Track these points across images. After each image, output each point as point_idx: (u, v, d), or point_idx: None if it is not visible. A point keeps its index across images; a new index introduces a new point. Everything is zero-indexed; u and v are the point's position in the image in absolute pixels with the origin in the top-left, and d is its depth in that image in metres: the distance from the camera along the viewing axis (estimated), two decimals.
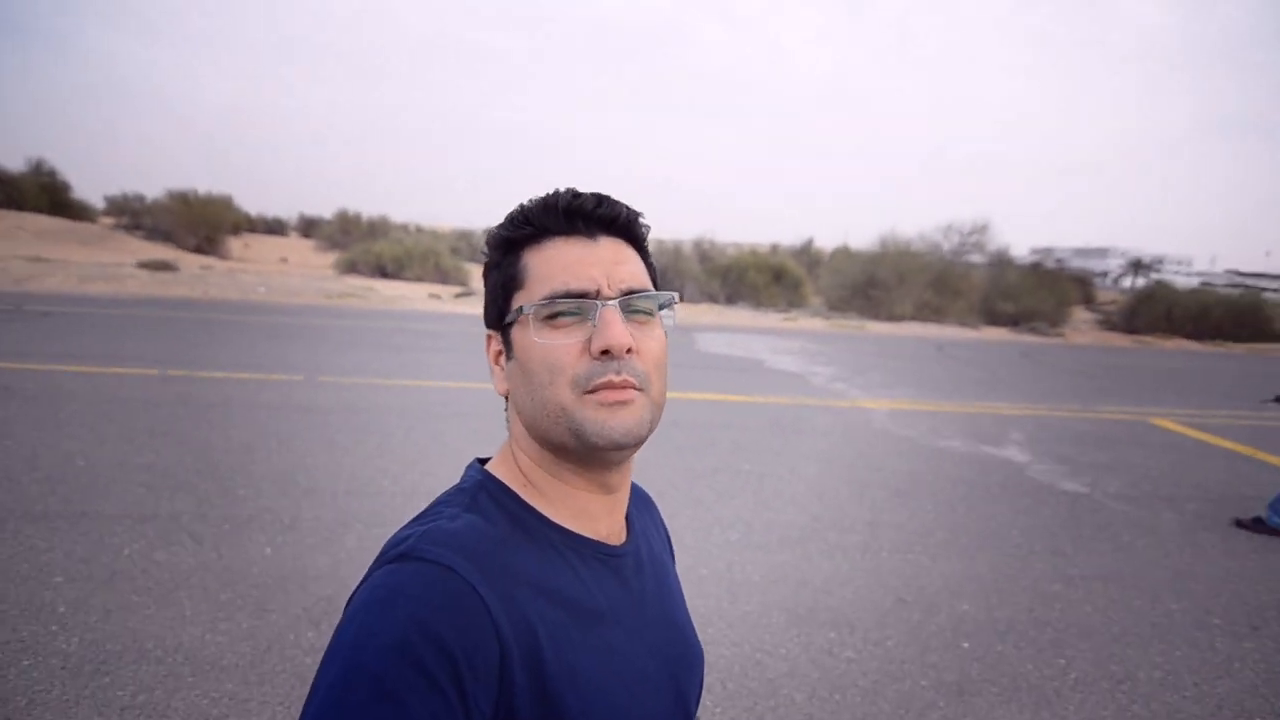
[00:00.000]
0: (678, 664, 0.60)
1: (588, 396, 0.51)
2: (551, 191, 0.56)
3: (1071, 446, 5.51)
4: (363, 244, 26.85)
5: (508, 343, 0.56)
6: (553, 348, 0.52)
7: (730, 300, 24.06)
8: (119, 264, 17.85)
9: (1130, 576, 3.20)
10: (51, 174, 27.93)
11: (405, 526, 0.54)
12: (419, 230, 38.81)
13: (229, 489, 3.48)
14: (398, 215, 39.80)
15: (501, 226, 0.57)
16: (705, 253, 30.34)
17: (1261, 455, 5.67)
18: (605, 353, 0.50)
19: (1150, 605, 2.94)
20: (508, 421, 0.60)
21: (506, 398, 0.59)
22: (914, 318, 20.51)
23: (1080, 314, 24.95)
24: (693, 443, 4.86)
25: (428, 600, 0.45)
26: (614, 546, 0.58)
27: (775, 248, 34.17)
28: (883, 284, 22.21)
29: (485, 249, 0.60)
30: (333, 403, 5.29)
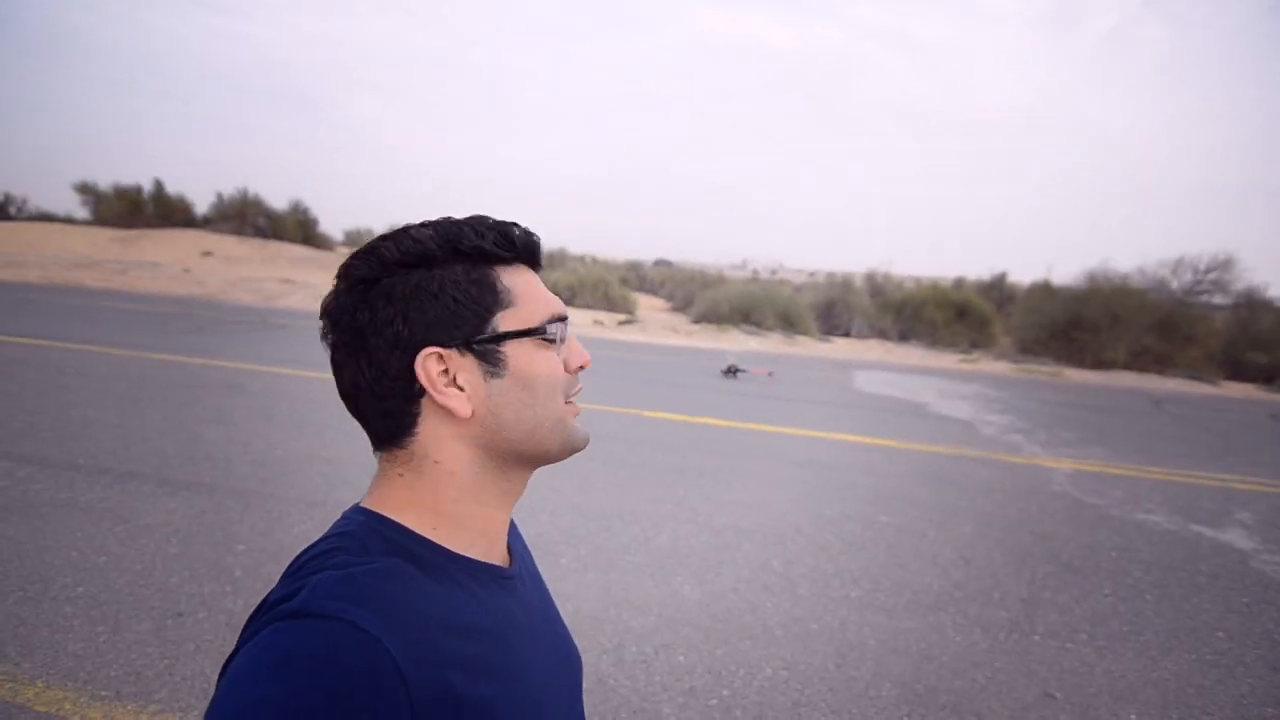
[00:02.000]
0: (571, 672, 0.63)
1: (567, 406, 0.56)
2: (502, 220, 0.57)
3: None
4: (542, 274, 29.10)
5: (493, 360, 0.54)
6: (557, 363, 0.56)
7: (903, 337, 22.52)
8: None
9: None
10: (305, 211, 33.69)
11: (283, 581, 0.48)
12: (594, 261, 41.25)
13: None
14: (576, 248, 42.60)
15: (474, 238, 0.53)
16: (878, 286, 28.79)
17: None
18: (580, 368, 0.57)
19: None
20: (409, 458, 0.54)
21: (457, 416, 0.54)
22: (1129, 366, 17.70)
23: None
24: (825, 485, 4.57)
25: (329, 663, 0.40)
26: (507, 569, 0.58)
27: (960, 282, 31.50)
28: (1090, 325, 19.49)
29: (429, 247, 0.52)
30: None
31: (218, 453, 4.22)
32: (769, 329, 20.35)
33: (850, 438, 6.13)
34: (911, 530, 3.87)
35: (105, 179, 32.12)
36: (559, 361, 0.56)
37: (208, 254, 26.37)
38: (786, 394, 8.51)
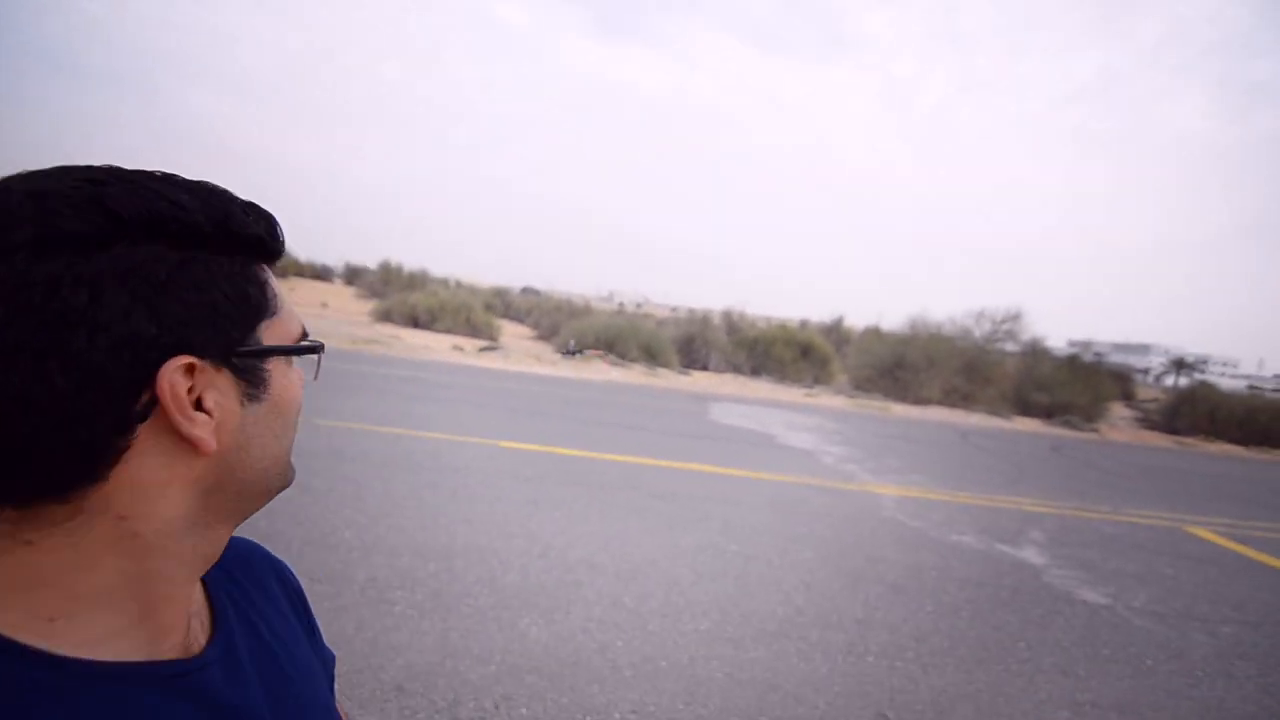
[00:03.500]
0: None
1: None
2: (257, 204, 0.43)
3: (1096, 551, 5.08)
4: (401, 294, 27.68)
5: (255, 380, 0.41)
6: (302, 385, 0.46)
7: (755, 372, 23.86)
8: None
9: (1149, 708, 2.81)
10: None
11: None
12: (458, 285, 39.90)
13: None
14: (439, 269, 41.03)
15: (247, 222, 0.41)
16: (734, 324, 30.42)
17: None
18: None
19: None
20: (69, 515, 0.36)
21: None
22: (941, 403, 19.98)
23: (1119, 410, 24.11)
24: (682, 517, 4.60)
25: None
26: (188, 659, 0.41)
27: (805, 324, 34.13)
28: (911, 366, 21.82)
29: (196, 219, 0.38)
30: (320, 446, 5.19)
31: None
32: (632, 360, 20.69)
33: (707, 468, 6.28)
34: (759, 558, 3.97)
35: None
36: (302, 383, 0.46)
37: None
38: (647, 424, 8.60)
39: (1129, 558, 5.03)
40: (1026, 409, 20.51)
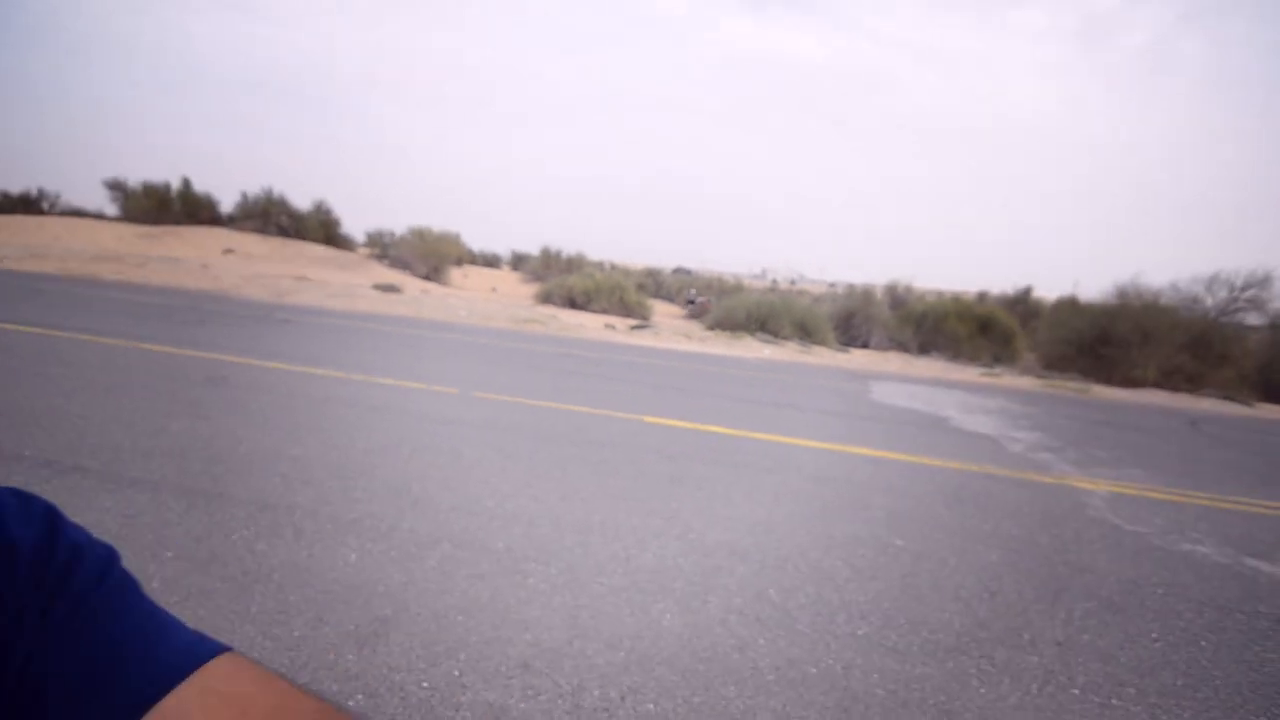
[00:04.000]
0: None
1: None
2: None
3: None
4: (559, 277, 29.04)
5: None
6: None
7: (923, 350, 21.96)
8: (359, 284, 20.94)
9: None
10: (328, 212, 33.86)
11: None
12: (613, 267, 41.08)
13: (349, 489, 3.56)
14: (596, 254, 42.52)
15: None
16: (899, 297, 28.21)
17: None
18: None
19: None
20: None
21: None
22: (1160, 384, 17.04)
23: None
24: (838, 504, 4.16)
25: None
26: None
27: (984, 296, 30.81)
28: (1119, 341, 18.83)
29: None
30: (477, 417, 5.40)
31: (177, 448, 3.93)
32: (785, 338, 19.90)
33: (865, 451, 5.70)
34: (930, 557, 3.45)
35: (136, 176, 32.43)
36: None
37: (229, 251, 26.56)
38: (800, 403, 8.09)
39: None
40: (1274, 393, 16.88)
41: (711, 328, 21.72)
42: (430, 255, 32.39)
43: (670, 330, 19.17)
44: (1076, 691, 2.37)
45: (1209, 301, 20.59)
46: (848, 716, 2.10)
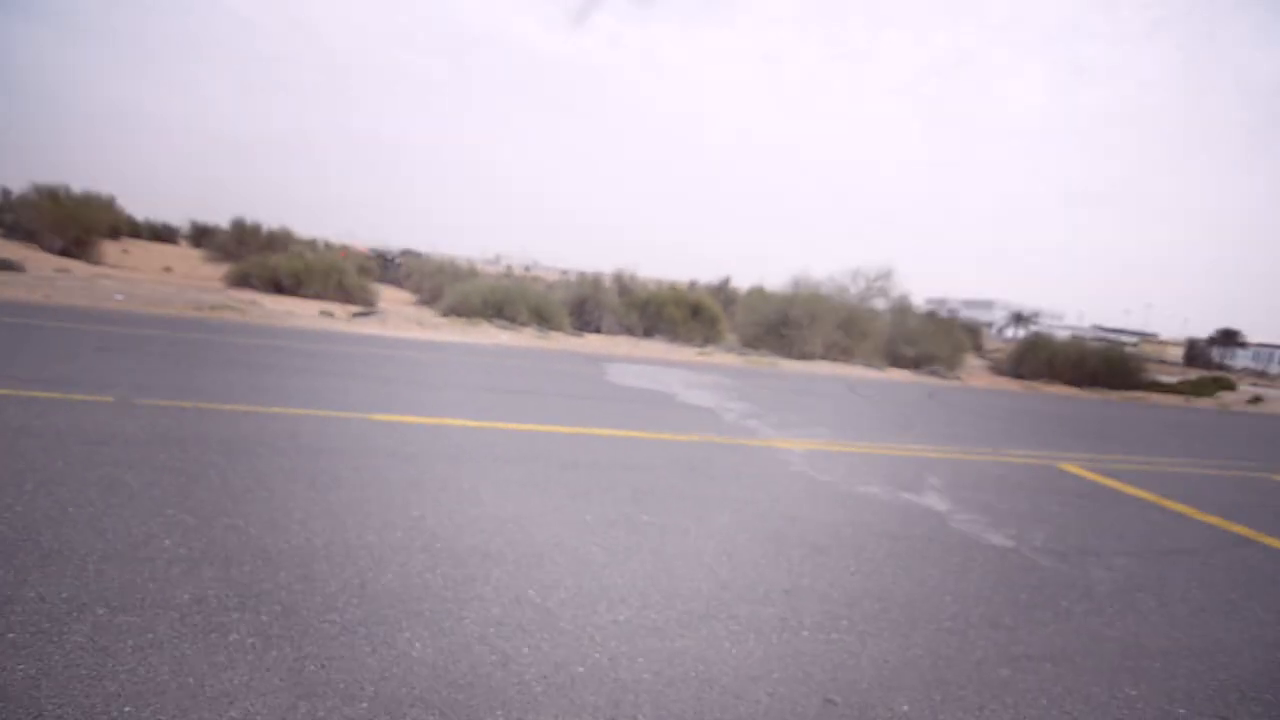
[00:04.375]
0: None
1: None
2: None
3: (990, 493, 5.23)
4: (258, 256, 24.85)
5: None
6: None
7: (648, 333, 23.78)
8: None
9: (1079, 654, 2.76)
10: None
11: None
12: (327, 247, 36.56)
13: None
14: (305, 230, 37.36)
15: None
16: (625, 285, 30.11)
17: (1168, 503, 5.60)
18: None
19: (1108, 694, 2.49)
20: None
21: None
22: (824, 357, 20.88)
23: (972, 360, 26.39)
24: (588, 487, 4.17)
25: None
26: None
27: (694, 285, 34.50)
28: (795, 323, 22.59)
29: None
30: (138, 431, 4.24)
31: None
32: (522, 323, 19.84)
33: (609, 432, 5.87)
34: (674, 529, 3.63)
35: None
36: None
37: None
38: (542, 388, 8.05)
39: (1018, 497, 5.21)
40: (896, 361, 21.94)
41: (447, 314, 20.69)
42: (69, 224, 25.19)
43: (401, 317, 17.75)
44: (806, 633, 2.67)
45: (853, 290, 25.89)
46: (619, 711, 2.05)
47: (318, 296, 21.37)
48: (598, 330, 23.11)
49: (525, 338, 16.79)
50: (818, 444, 6.36)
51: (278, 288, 21.72)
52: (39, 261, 18.91)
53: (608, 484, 4.28)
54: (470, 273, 35.25)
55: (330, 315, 15.69)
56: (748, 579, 3.10)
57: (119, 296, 13.50)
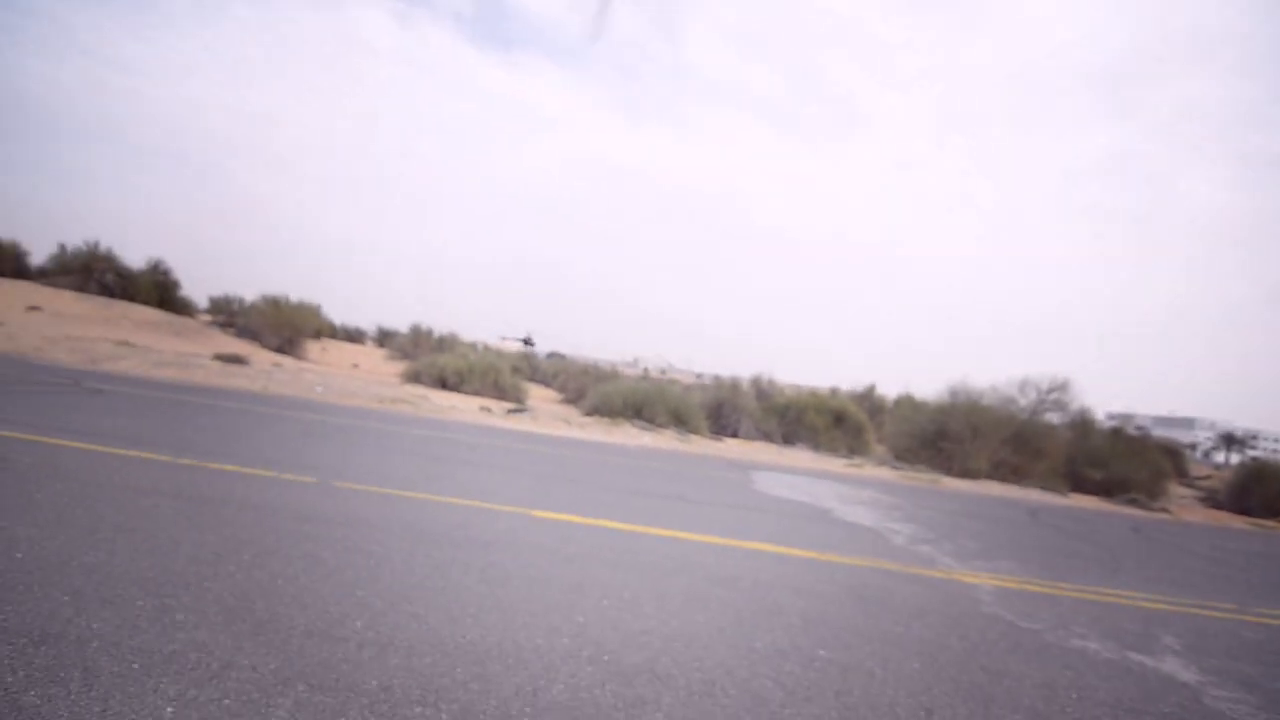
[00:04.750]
0: None
1: None
2: None
3: (1251, 664, 4.19)
4: (430, 356, 27.70)
5: None
6: None
7: (787, 440, 23.01)
8: (197, 354, 18.59)
9: None
10: (165, 273, 30.46)
11: None
12: (485, 348, 40.07)
13: (168, 609, 2.76)
14: (467, 334, 41.33)
15: None
16: (763, 390, 29.70)
17: None
18: None
19: None
20: None
21: None
22: (990, 476, 18.85)
23: (1176, 488, 22.56)
24: (751, 610, 3.87)
25: None
26: None
27: (835, 391, 33.27)
28: (955, 436, 20.85)
29: None
30: (337, 512, 4.63)
31: None
32: (661, 425, 20.01)
33: (764, 546, 5.54)
34: (857, 669, 3.22)
35: None
36: None
37: (35, 308, 22.77)
38: (690, 494, 7.89)
39: None
40: (1080, 484, 19.27)
41: (590, 413, 21.45)
42: (284, 326, 29.82)
43: (548, 415, 18.64)
44: None
45: (1022, 402, 23.52)
46: None
47: (476, 393, 23.16)
48: (735, 434, 22.73)
49: (665, 440, 16.84)
50: (1009, 581, 5.55)
51: (444, 384, 23.88)
52: (259, 356, 22.34)
53: (773, 606, 3.96)
54: (612, 375, 36.69)
55: (488, 411, 16.82)
56: None
57: (319, 389, 15.45)
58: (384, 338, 48.23)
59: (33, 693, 2.08)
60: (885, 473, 15.83)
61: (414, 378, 24.14)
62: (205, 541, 3.64)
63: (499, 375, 25.24)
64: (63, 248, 28.31)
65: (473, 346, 38.54)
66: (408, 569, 3.68)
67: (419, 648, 2.76)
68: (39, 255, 28.06)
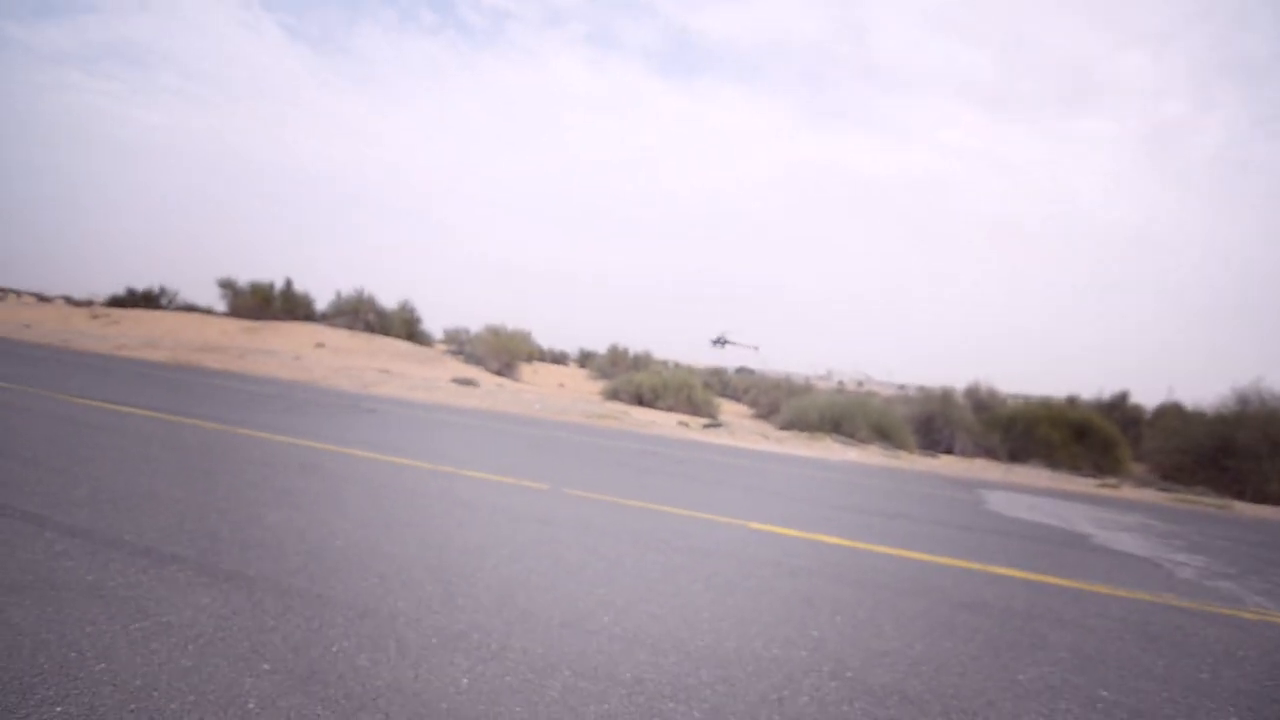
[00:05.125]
0: None
1: None
2: None
3: None
4: (626, 375, 29.24)
5: None
6: None
7: (1013, 457, 20.46)
8: (438, 378, 21.51)
9: None
10: (411, 310, 35.82)
11: None
12: (676, 366, 41.27)
13: (451, 594, 3.20)
14: (660, 352, 42.91)
15: None
16: (982, 401, 26.75)
17: None
18: None
19: None
20: None
21: None
22: None
23: None
24: (1005, 637, 3.48)
25: None
26: None
27: (1074, 400, 28.90)
28: (1245, 452, 17.07)
29: None
30: (570, 516, 5.03)
31: (273, 540, 3.70)
32: (863, 440, 18.92)
33: (1009, 571, 4.95)
34: (1154, 714, 2.74)
35: (245, 276, 35.43)
36: None
37: (320, 345, 28.09)
38: (912, 512, 7.34)
39: None
40: None
41: (785, 427, 20.99)
42: (503, 351, 33.41)
43: (744, 429, 18.58)
44: None
45: None
46: None
47: (670, 409, 23.85)
48: (949, 451, 20.74)
49: (872, 455, 15.89)
50: None
51: (640, 400, 24.97)
52: (485, 378, 25.18)
53: (1034, 638, 3.52)
54: (805, 388, 35.58)
55: (686, 425, 17.22)
56: None
57: (537, 406, 16.99)
58: (584, 358, 51.82)
59: (362, 658, 2.52)
60: (1151, 495, 13.36)
61: (613, 395, 25.58)
62: (469, 538, 4.17)
63: (692, 391, 25.80)
64: (338, 294, 34.53)
65: (664, 364, 39.86)
66: (639, 572, 3.88)
67: (662, 646, 2.88)
68: (321, 302, 34.49)
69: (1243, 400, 19.33)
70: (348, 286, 38.50)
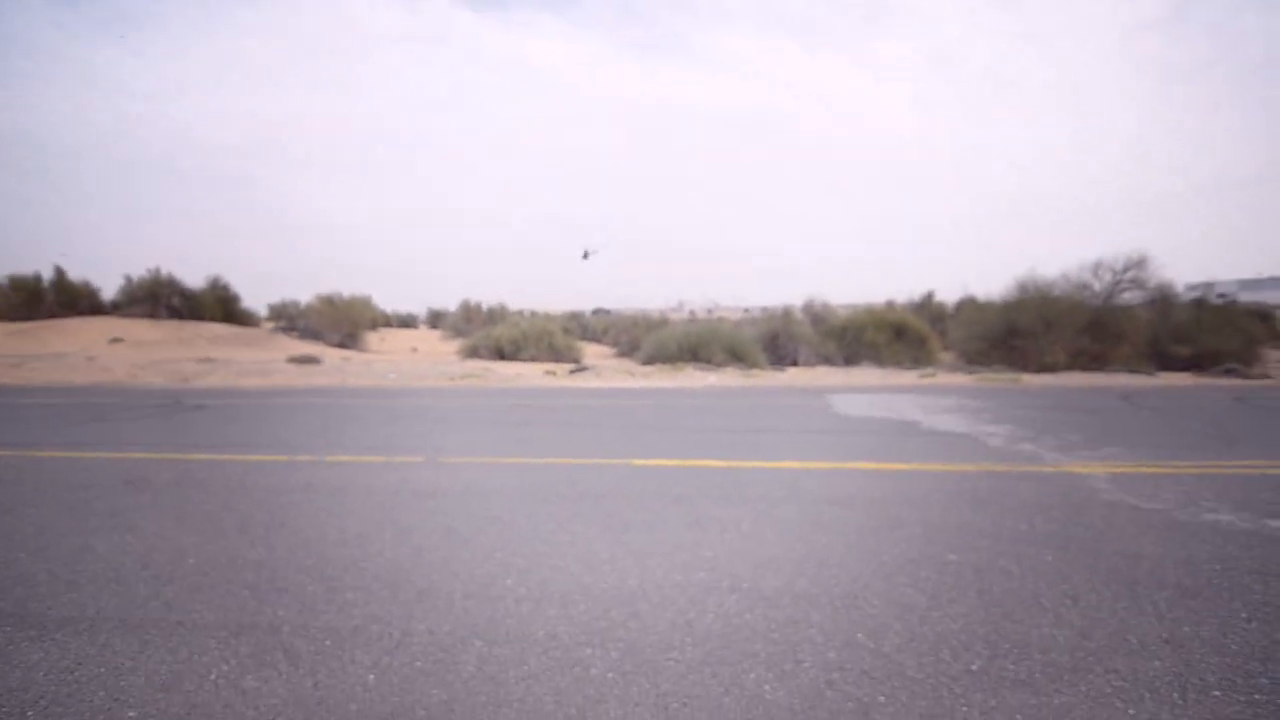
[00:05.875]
0: None
1: None
2: None
3: None
4: (483, 330, 28.32)
5: None
6: None
7: (849, 361, 22.66)
8: (272, 360, 19.51)
9: None
10: (225, 288, 31.83)
11: None
12: (533, 315, 40.66)
13: (337, 589, 3.00)
14: (514, 303, 41.95)
15: None
16: (817, 314, 29.15)
17: None
18: None
19: None
20: None
21: None
22: (1071, 367, 18.20)
23: (1271, 354, 21.27)
24: (871, 524, 3.92)
25: None
26: None
27: (891, 304, 32.36)
28: (1027, 333, 20.11)
29: None
30: (453, 485, 4.87)
31: (109, 571, 3.23)
32: (721, 364, 20.00)
33: (866, 465, 5.55)
34: (991, 568, 3.25)
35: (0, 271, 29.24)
36: None
37: (117, 340, 24.25)
38: (776, 425, 7.93)
39: None
40: (1167, 363, 18.41)
41: (648, 362, 21.60)
42: (342, 321, 30.91)
43: (609, 369, 18.87)
44: (1219, 694, 2.18)
45: (1096, 286, 22.34)
46: None
47: (534, 359, 23.60)
48: (794, 363, 22.51)
49: (730, 377, 16.85)
50: (1122, 467, 5.42)
51: (501, 354, 24.41)
52: (327, 353, 23.28)
53: (892, 521, 4.00)
54: (660, 322, 36.66)
55: (553, 374, 17.15)
56: (1109, 627, 2.64)
57: (391, 375, 16.03)
58: (435, 319, 49.42)
59: (248, 679, 2.31)
60: (960, 379, 15.48)
61: (472, 353, 24.75)
62: (347, 526, 3.90)
63: (552, 338, 25.61)
64: (129, 279, 29.82)
65: (520, 315, 39.09)
66: (534, 527, 3.87)
67: (570, 597, 2.92)
68: (108, 290, 29.63)
69: (1022, 289, 22.71)
70: (140, 269, 33.37)
